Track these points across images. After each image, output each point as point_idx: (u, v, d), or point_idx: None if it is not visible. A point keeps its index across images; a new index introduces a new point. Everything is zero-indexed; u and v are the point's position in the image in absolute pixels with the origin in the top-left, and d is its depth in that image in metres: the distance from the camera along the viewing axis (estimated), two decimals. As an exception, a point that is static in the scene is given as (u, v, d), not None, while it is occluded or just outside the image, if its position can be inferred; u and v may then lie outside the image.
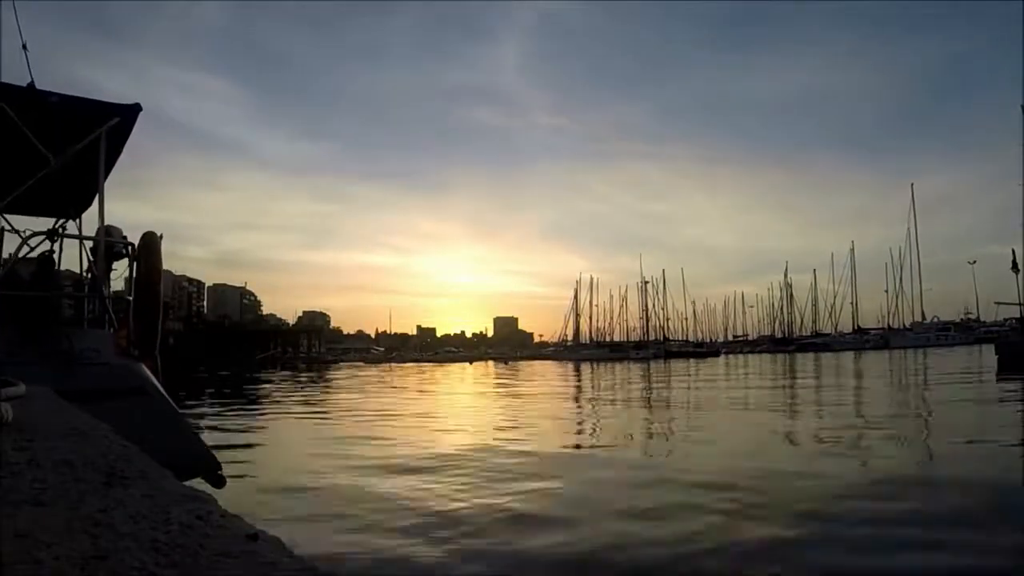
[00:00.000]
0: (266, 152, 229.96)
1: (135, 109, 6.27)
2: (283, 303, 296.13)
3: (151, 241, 6.12)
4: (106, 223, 6.61)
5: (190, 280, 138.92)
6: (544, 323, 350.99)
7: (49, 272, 6.93)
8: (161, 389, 5.44)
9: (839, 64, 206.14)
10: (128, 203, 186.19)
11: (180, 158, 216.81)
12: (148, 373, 5.44)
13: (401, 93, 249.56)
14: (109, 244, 6.44)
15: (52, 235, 7.36)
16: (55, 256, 7.29)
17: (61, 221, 8.14)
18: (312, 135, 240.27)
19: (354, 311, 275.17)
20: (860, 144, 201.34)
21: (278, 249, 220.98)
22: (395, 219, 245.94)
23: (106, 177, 6.86)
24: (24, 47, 6.83)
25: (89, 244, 6.67)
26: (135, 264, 6.23)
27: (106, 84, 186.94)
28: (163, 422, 5.12)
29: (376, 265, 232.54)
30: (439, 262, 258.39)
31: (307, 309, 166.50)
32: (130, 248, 6.42)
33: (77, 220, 8.13)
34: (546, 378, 33.30)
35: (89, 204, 7.20)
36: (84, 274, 7.26)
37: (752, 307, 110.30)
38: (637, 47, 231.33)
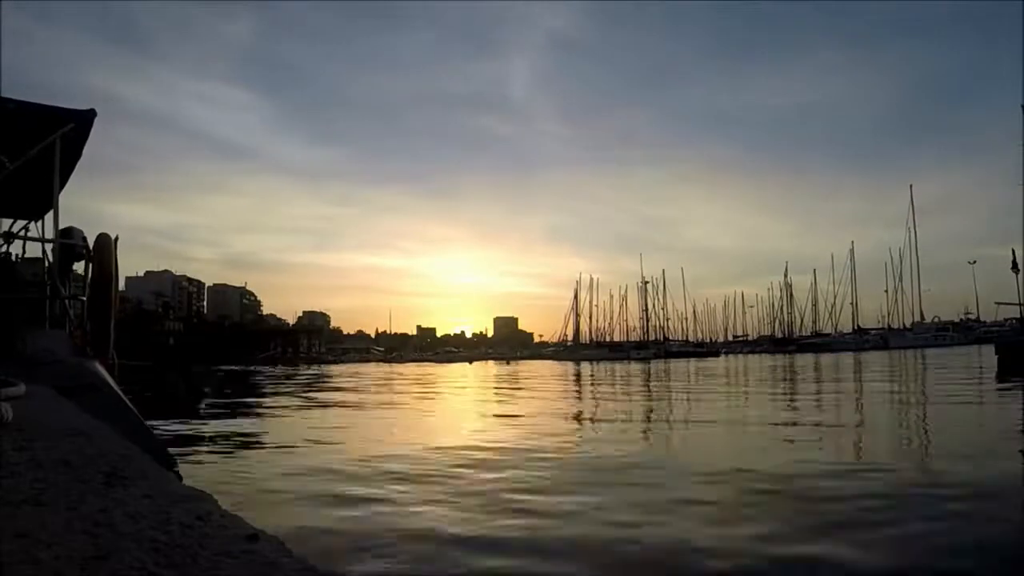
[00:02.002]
0: (281, 158, 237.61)
1: (90, 115, 6.38)
2: (286, 304, 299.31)
3: (104, 243, 6.18)
4: (82, 226, 6.74)
5: (190, 280, 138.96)
6: (544, 323, 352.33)
7: (7, 274, 7.02)
8: (114, 386, 5.47)
9: (838, 73, 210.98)
10: (141, 206, 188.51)
11: (196, 164, 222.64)
12: (101, 370, 5.48)
13: (414, 103, 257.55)
14: (69, 246, 6.53)
15: (8, 237, 7.46)
16: (13, 257, 7.41)
17: (23, 223, 8.20)
18: (326, 142, 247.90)
19: (354, 311, 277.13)
20: (859, 149, 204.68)
21: (287, 251, 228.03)
22: (402, 222, 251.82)
23: (66, 180, 6.99)
24: None
25: (50, 246, 6.81)
26: (89, 266, 6.29)
27: (130, 95, 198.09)
28: (113, 418, 5.16)
29: (381, 267, 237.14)
30: (443, 264, 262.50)
31: (307, 309, 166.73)
32: (86, 250, 6.50)
33: (39, 222, 8.17)
34: (560, 381, 33.19)
35: (51, 207, 7.33)
36: (44, 275, 7.36)
37: (752, 307, 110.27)
38: (641, 61, 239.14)
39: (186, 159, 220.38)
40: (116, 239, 6.35)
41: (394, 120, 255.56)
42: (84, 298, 6.40)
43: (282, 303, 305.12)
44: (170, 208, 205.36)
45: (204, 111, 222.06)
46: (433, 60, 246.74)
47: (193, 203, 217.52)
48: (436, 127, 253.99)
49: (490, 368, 53.47)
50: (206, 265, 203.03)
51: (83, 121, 6.37)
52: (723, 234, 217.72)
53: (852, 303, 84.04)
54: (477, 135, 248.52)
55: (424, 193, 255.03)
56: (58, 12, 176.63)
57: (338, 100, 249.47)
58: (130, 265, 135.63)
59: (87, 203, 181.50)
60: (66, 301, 6.58)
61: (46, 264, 7.28)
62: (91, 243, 6.43)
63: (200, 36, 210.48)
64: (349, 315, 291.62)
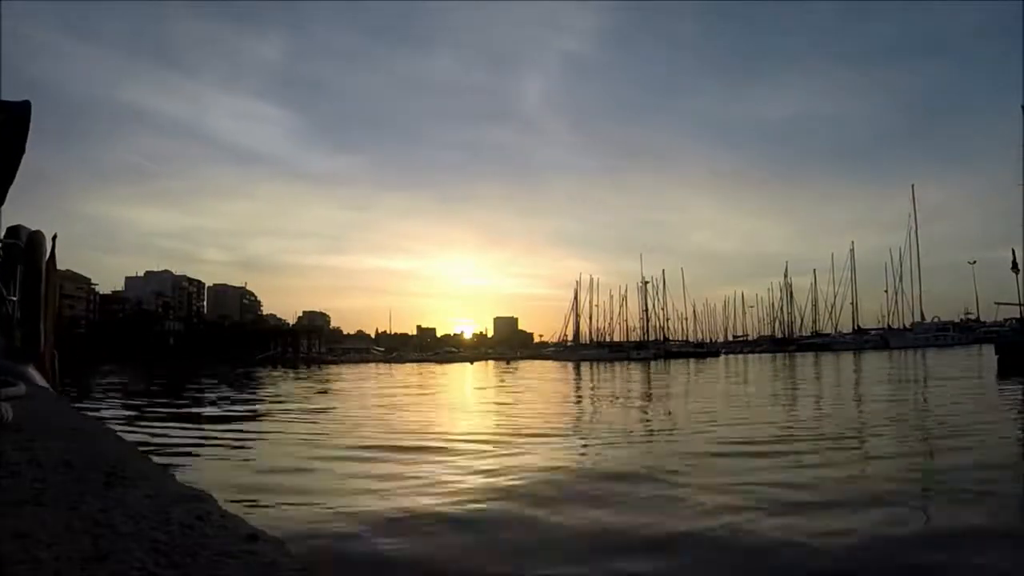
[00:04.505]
0: (301, 167, 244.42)
1: (23, 107, 6.29)
2: (288, 304, 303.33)
3: (36, 241, 6.15)
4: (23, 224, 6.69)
5: (190, 280, 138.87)
6: (544, 323, 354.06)
7: None
8: (47, 390, 5.48)
9: (837, 87, 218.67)
10: (162, 211, 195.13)
11: (218, 172, 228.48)
12: (33, 374, 5.47)
13: (432, 118, 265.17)
14: (15, 245, 6.49)
15: None
16: None
17: None
18: (346, 152, 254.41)
19: (355, 311, 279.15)
20: (858, 157, 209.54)
21: (300, 254, 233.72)
22: (412, 226, 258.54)
23: (12, 175, 6.96)
24: None
25: None
26: (19, 266, 6.26)
27: (161, 109, 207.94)
28: None
29: (387, 268, 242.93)
30: (448, 266, 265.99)
31: (307, 309, 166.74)
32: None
33: None
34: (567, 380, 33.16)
35: (0, 204, 7.25)
36: None
37: (752, 307, 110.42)
38: (647, 78, 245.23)
39: (209, 167, 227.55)
40: (55, 237, 6.32)
41: (413, 133, 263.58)
42: (14, 299, 6.37)
43: (286, 304, 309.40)
44: (189, 213, 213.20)
45: (231, 123, 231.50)
46: (453, 80, 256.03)
47: (213, 208, 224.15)
48: (452, 139, 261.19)
49: (491, 370, 53.41)
50: (220, 267, 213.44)
51: (15, 113, 6.31)
52: (724, 238, 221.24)
53: (852, 303, 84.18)
54: (490, 146, 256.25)
55: (435, 199, 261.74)
56: (100, 32, 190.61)
57: (360, 115, 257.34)
58: (145, 266, 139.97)
59: (106, 208, 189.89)
60: (9, 302, 6.54)
61: None
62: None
63: (233, 55, 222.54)
64: (349, 315, 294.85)
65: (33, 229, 6.48)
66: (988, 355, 27.92)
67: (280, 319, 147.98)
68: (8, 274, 6.63)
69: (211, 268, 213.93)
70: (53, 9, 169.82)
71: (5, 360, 5.44)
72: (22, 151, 7.30)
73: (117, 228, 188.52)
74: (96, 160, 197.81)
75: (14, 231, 6.65)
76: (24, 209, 8.76)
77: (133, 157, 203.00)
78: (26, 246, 6.13)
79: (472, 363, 74.54)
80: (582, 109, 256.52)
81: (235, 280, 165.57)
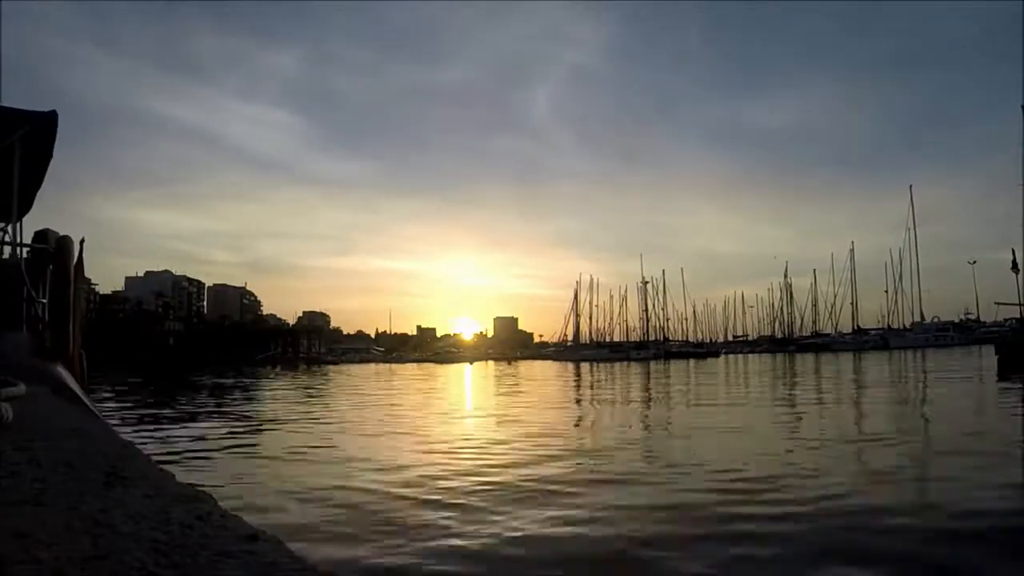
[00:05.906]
0: (312, 172, 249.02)
1: (50, 117, 6.35)
2: (287, 304, 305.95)
3: (65, 245, 6.17)
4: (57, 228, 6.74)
5: (190, 280, 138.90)
6: (544, 323, 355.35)
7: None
8: (75, 389, 5.47)
9: (835, 95, 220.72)
10: (174, 213, 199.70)
11: (232, 176, 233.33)
12: (60, 373, 5.47)
13: (442, 127, 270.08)
14: (44, 248, 6.54)
15: None
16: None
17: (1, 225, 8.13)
18: (357, 158, 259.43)
19: (355, 312, 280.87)
20: (857, 162, 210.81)
21: (306, 255, 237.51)
22: (417, 228, 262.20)
23: (39, 181, 7.01)
24: None
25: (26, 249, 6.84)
26: (49, 269, 6.28)
27: (181, 116, 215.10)
28: None
29: (390, 269, 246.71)
30: (449, 266, 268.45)
31: (307, 309, 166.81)
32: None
33: (16, 224, 8.14)
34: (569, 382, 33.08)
35: (28, 208, 7.26)
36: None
37: (752, 307, 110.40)
38: (652, 88, 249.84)
39: (222, 172, 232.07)
40: (82, 241, 6.34)
41: (420, 140, 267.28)
42: (43, 301, 6.38)
43: (287, 304, 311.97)
44: (198, 216, 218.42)
45: (246, 130, 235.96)
46: (461, 90, 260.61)
47: (223, 211, 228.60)
48: (458, 145, 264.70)
49: (494, 372, 53.38)
50: (225, 268, 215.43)
51: (43, 122, 6.37)
52: (724, 239, 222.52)
53: (852, 303, 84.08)
54: (495, 152, 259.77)
55: (440, 201, 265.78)
56: (126, 44, 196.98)
57: (371, 122, 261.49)
58: (148, 267, 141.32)
59: (113, 211, 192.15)
60: (38, 304, 6.56)
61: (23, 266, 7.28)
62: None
63: (250, 65, 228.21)
64: (350, 315, 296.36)
65: (61, 234, 6.51)
66: (988, 355, 27.91)
67: (280, 319, 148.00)
68: (37, 277, 6.67)
69: (215, 269, 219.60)
70: (82, 22, 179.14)
71: (32, 359, 5.46)
72: (49, 157, 7.40)
73: (122, 230, 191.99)
74: (111, 166, 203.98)
75: (42, 235, 6.67)
76: (33, 211, 8.80)
77: (150, 163, 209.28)
78: (55, 250, 6.14)
79: (472, 363, 74.49)
80: (586, 117, 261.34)
81: (238, 281, 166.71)
